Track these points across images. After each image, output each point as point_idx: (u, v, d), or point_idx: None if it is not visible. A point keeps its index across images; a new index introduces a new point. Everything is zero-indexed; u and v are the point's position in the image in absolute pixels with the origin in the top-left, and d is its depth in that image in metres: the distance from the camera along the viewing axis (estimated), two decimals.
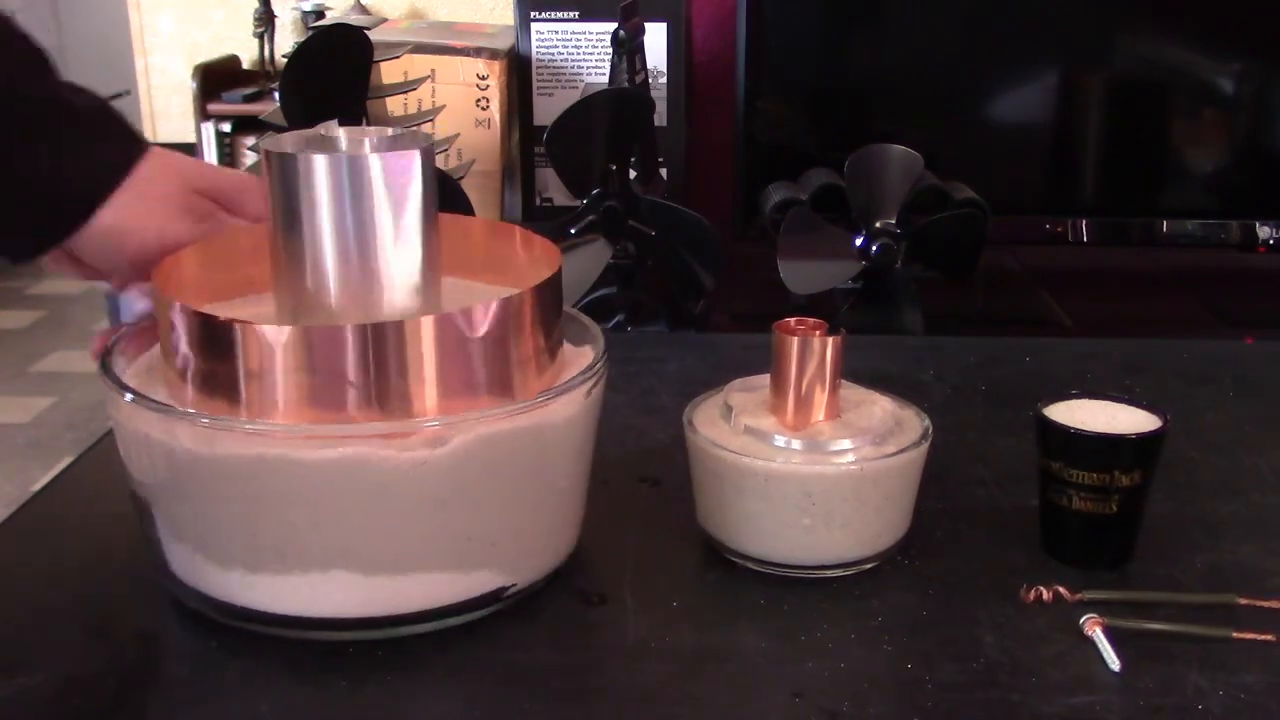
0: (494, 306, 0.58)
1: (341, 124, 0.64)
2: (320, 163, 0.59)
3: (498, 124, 1.35)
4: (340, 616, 0.59)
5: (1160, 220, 1.32)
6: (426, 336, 0.56)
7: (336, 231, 0.60)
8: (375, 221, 0.60)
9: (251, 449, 0.56)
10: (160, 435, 0.58)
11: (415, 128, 0.66)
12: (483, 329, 0.58)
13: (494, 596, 0.61)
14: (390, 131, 0.64)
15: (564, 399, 0.61)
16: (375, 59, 1.07)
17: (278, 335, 0.55)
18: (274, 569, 0.58)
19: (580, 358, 0.66)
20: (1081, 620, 0.60)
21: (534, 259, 0.68)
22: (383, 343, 0.56)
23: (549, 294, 0.62)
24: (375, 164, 0.59)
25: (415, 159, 0.60)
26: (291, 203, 0.60)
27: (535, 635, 0.61)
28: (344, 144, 0.61)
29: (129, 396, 0.59)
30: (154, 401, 0.58)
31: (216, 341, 0.57)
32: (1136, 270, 1.43)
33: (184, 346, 0.58)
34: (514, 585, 0.62)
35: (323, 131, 0.63)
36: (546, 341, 0.63)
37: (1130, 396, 0.69)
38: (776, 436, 0.65)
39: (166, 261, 0.63)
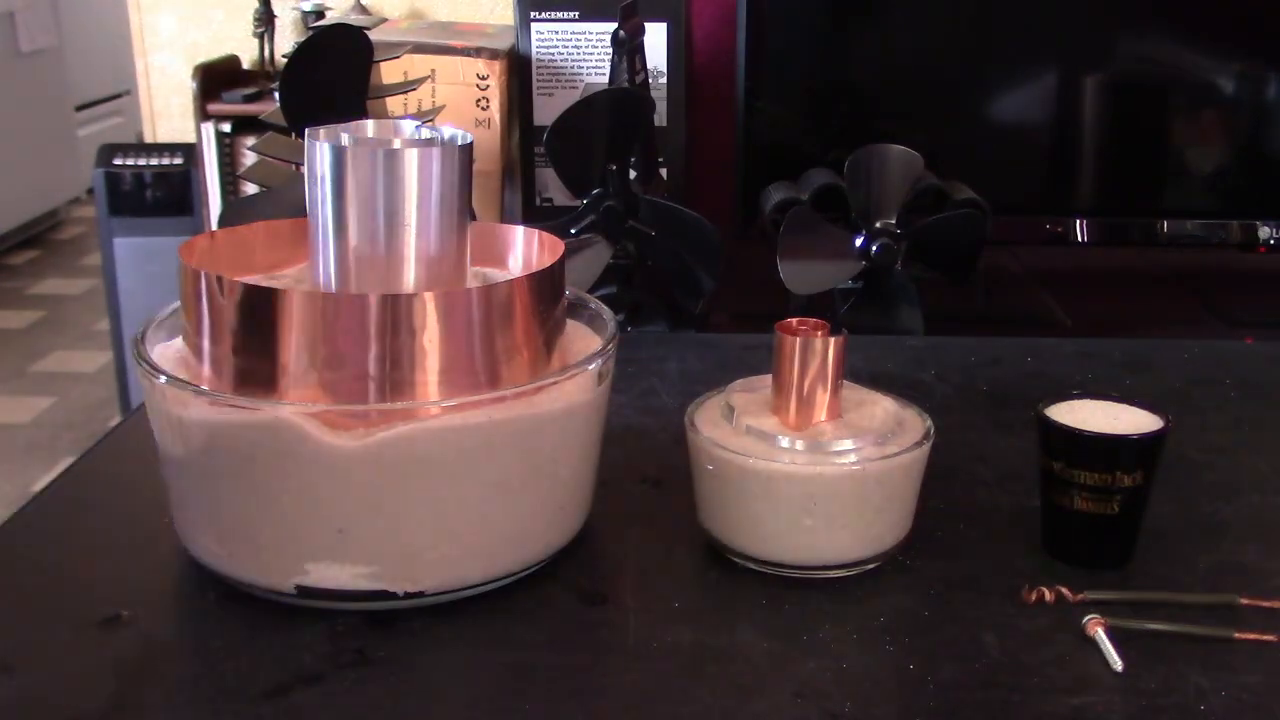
0: (494, 287, 0.61)
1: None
2: (360, 154, 0.62)
3: (498, 124, 1.35)
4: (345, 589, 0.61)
5: (1160, 220, 1.32)
6: (422, 312, 0.59)
7: (369, 216, 0.62)
8: (405, 209, 0.62)
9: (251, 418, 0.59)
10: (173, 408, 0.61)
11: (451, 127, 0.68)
12: (480, 310, 0.61)
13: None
14: (428, 131, 0.66)
15: (567, 385, 0.62)
16: (375, 59, 1.06)
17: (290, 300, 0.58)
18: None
19: (589, 344, 0.68)
20: (1083, 620, 0.60)
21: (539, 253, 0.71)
22: (388, 316, 0.58)
23: (546, 282, 0.64)
24: (411, 157, 0.62)
25: (446, 155, 0.63)
26: (337, 188, 0.62)
27: (535, 635, 0.61)
28: (386, 138, 0.64)
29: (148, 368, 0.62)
30: (172, 377, 0.61)
31: (250, 310, 0.60)
32: (1136, 270, 1.43)
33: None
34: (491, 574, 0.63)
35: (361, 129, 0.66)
36: (544, 329, 0.64)
37: (1131, 396, 0.69)
38: (778, 437, 0.65)
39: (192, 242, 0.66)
